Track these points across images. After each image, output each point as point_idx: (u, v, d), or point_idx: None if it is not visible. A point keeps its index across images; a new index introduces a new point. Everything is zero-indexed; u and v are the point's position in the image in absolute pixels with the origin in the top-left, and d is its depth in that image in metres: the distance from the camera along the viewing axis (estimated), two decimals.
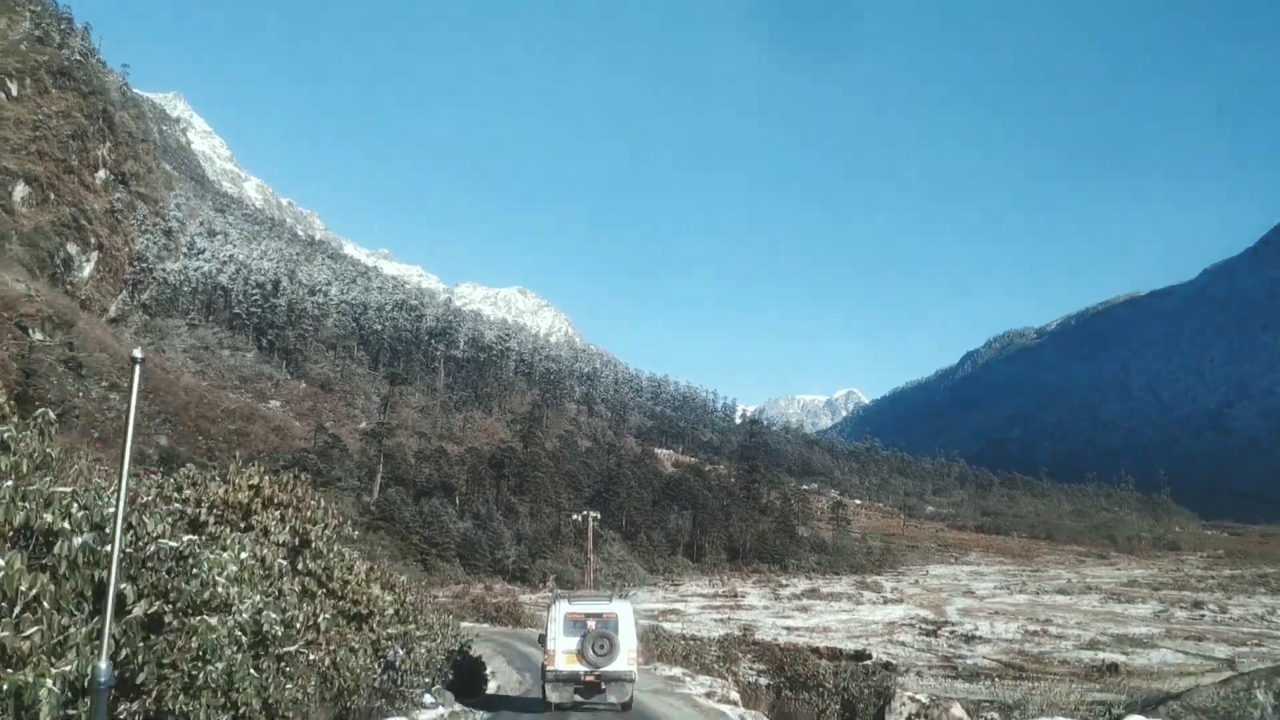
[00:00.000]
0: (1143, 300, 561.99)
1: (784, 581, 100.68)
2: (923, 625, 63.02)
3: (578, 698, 18.65)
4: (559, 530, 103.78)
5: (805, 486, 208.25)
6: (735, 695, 23.05)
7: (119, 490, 5.69)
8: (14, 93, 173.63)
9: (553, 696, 18.49)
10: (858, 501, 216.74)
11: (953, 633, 59.10)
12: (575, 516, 53.18)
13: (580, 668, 18.14)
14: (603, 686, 18.37)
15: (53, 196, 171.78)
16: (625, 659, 18.29)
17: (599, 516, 49.92)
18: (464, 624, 49.94)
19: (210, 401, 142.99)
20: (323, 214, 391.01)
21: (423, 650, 17.21)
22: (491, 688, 23.13)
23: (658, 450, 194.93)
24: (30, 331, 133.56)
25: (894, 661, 45.43)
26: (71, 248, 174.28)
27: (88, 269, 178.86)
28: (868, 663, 43.93)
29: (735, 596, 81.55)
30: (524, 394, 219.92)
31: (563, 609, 18.94)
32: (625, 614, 18.89)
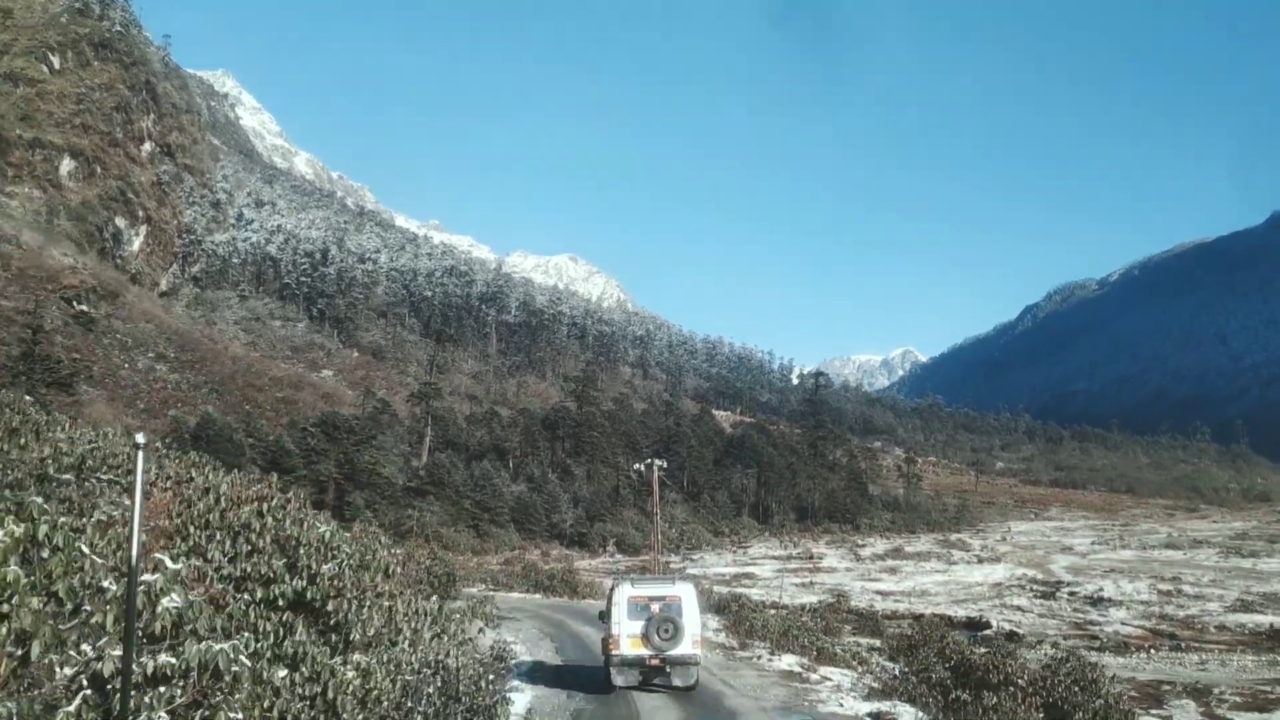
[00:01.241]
0: (1209, 247, 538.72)
1: (860, 541, 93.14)
2: (1034, 586, 55.20)
3: (642, 680, 18.58)
4: (617, 492, 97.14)
5: (869, 445, 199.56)
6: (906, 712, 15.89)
7: (131, 550, 5.34)
8: (56, 66, 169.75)
9: (618, 680, 18.37)
10: (924, 459, 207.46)
11: (1072, 594, 51.31)
12: (638, 465, 46.29)
13: (645, 651, 18.00)
14: (667, 670, 18.28)
15: (99, 170, 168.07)
16: (689, 642, 18.07)
17: (665, 465, 43.09)
18: (512, 595, 43.52)
19: (258, 370, 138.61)
20: (373, 187, 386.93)
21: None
22: (520, 707, 15.59)
23: (715, 412, 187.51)
24: (74, 303, 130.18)
25: (1018, 630, 37.84)
26: (120, 221, 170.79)
27: (137, 242, 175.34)
28: (988, 632, 36.48)
29: (811, 558, 74.37)
30: (577, 358, 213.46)
31: (625, 592, 18.70)
32: (688, 596, 18.69)
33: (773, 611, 32.10)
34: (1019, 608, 46.45)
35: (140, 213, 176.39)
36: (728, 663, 21.82)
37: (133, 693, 5.95)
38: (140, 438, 5.91)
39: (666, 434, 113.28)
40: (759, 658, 22.28)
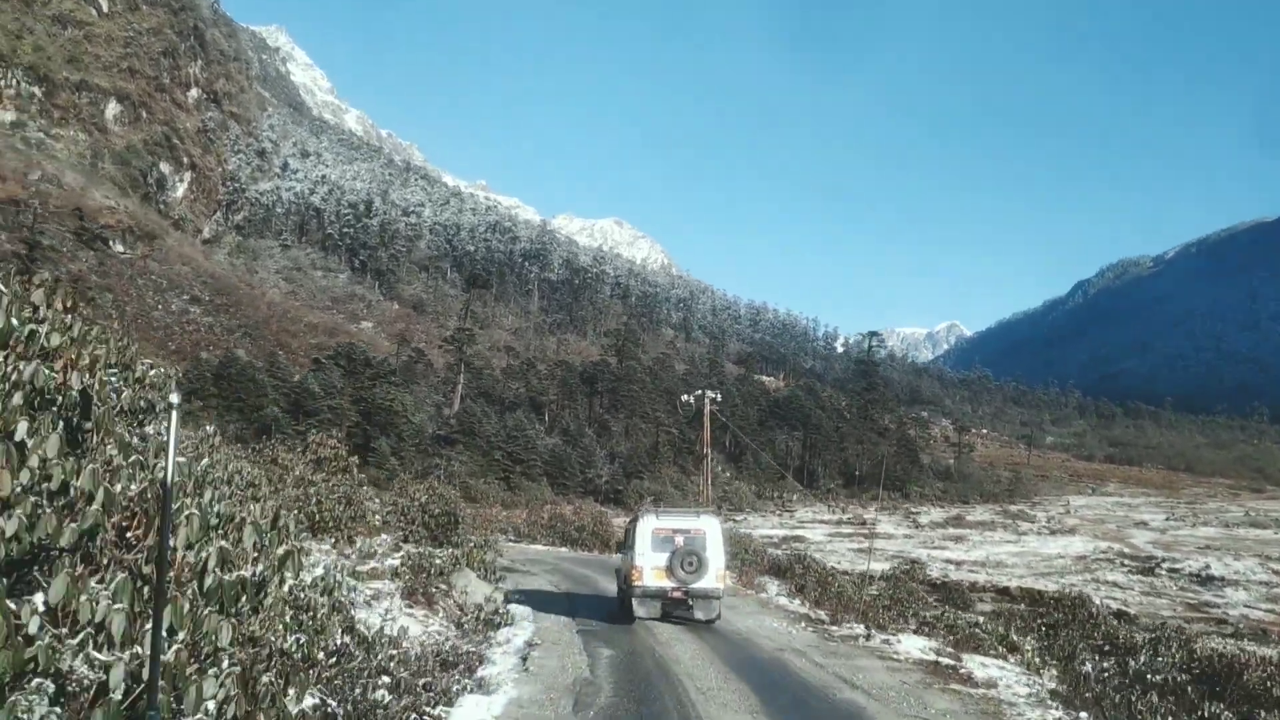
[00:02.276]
0: (1270, 226, 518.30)
1: (914, 509, 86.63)
2: (1125, 561, 48.63)
3: (665, 612, 18.11)
4: (656, 448, 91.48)
5: (916, 415, 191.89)
6: None
7: (163, 521, 4.67)
8: (105, 9, 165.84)
9: (640, 611, 17.82)
10: (973, 431, 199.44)
11: (1174, 571, 44.72)
12: (686, 397, 40.23)
13: (668, 583, 17.50)
14: (690, 603, 17.76)
15: (144, 115, 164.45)
16: (714, 575, 17.58)
17: (718, 398, 37.39)
18: (535, 547, 38.11)
19: (294, 317, 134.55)
20: (421, 145, 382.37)
21: None
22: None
23: (759, 377, 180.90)
24: (110, 243, 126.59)
25: (1126, 609, 31.51)
26: (164, 167, 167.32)
27: (181, 189, 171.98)
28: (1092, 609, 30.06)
29: (864, 524, 68.24)
30: (619, 317, 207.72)
31: (650, 524, 18.09)
32: (713, 530, 18.19)
33: (846, 576, 26.19)
34: (1115, 584, 40.21)
35: (185, 159, 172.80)
36: (828, 644, 15.70)
37: None
38: (174, 398, 5.11)
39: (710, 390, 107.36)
40: (868, 638, 16.27)
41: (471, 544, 21.08)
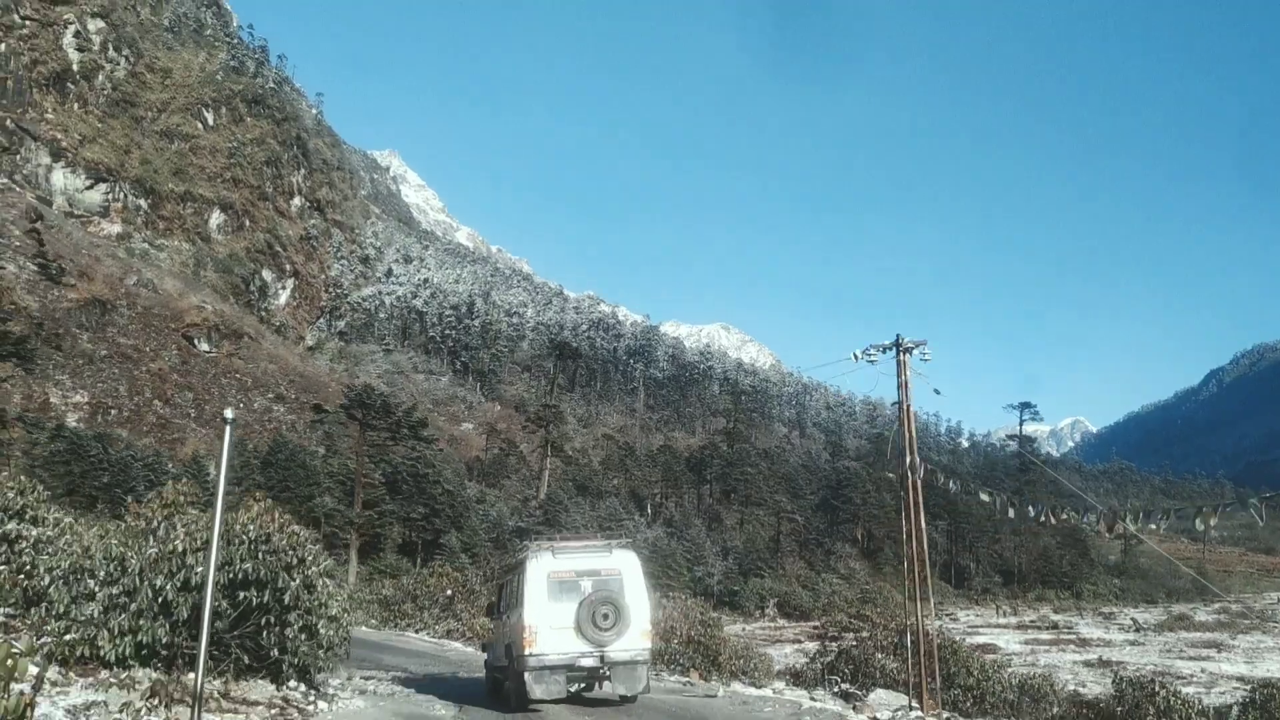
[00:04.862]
0: None
1: (1107, 610, 68.90)
2: None
3: (576, 690, 13.27)
4: (777, 542, 76.29)
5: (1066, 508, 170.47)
6: None
7: (213, 528, 5.07)
8: (210, 122, 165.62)
9: (537, 691, 12.49)
10: (1123, 524, 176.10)
11: None
12: (859, 353, 25.70)
13: (579, 648, 12.58)
14: (607, 673, 12.78)
15: (248, 223, 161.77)
16: (638, 632, 12.80)
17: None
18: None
19: None
20: (532, 261, 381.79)
21: None
22: None
23: (887, 473, 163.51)
24: (194, 342, 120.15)
25: None
26: (267, 274, 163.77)
27: (283, 296, 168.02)
28: None
29: (1054, 627, 51.86)
30: (729, 414, 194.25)
31: (545, 565, 13.06)
32: (631, 569, 13.35)
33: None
34: None
35: (287, 266, 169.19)
36: None
37: None
38: (229, 413, 5.66)
39: (836, 477, 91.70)
40: None
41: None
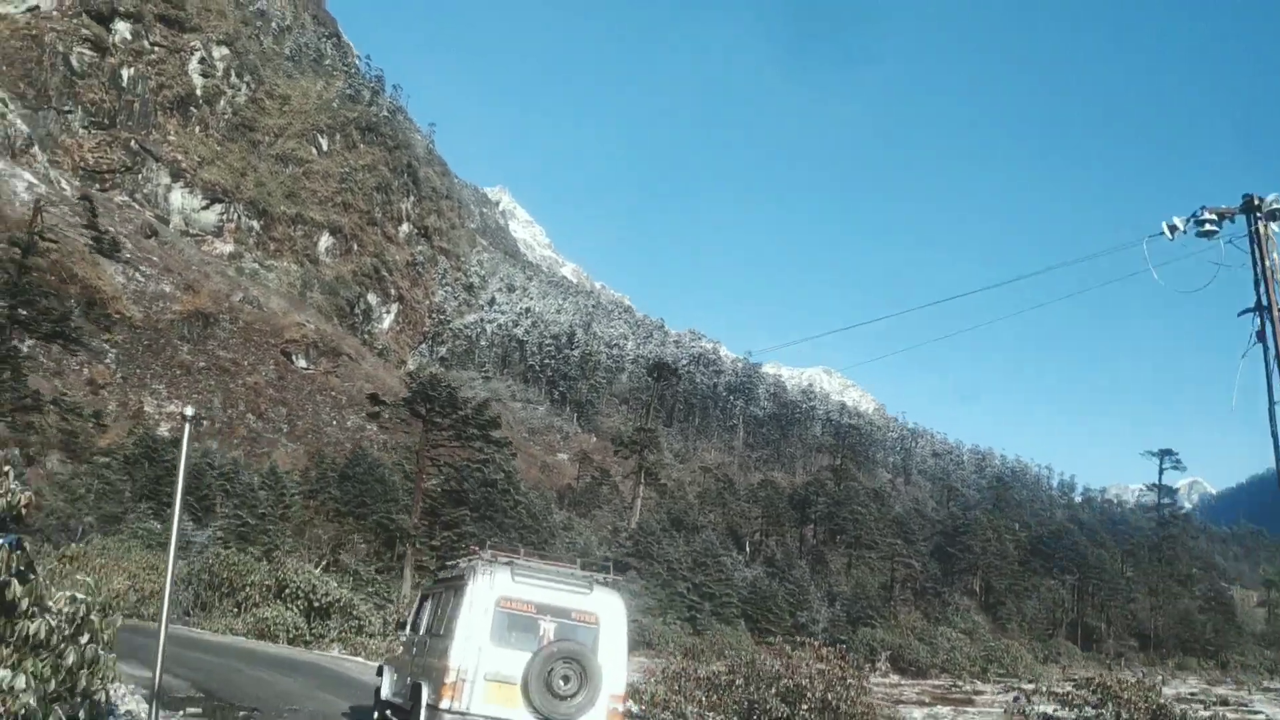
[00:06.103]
0: None
1: (1269, 685, 59.55)
2: None
3: None
4: (890, 589, 68.91)
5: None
6: None
7: (171, 529, 5.15)
8: (325, 147, 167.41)
9: None
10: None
11: None
12: (1176, 221, 18.43)
13: (519, 714, 8.65)
14: None
15: (356, 248, 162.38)
16: (605, 708, 9.00)
17: None
18: None
19: None
20: (633, 297, 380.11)
21: None
22: None
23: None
24: (294, 357, 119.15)
25: None
26: (372, 298, 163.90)
27: (387, 320, 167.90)
28: None
29: (1227, 704, 43.84)
30: (832, 457, 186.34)
31: (495, 586, 9.22)
32: (613, 619, 9.73)
33: None
34: None
35: (393, 291, 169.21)
36: None
37: None
38: (189, 410, 5.41)
39: (951, 523, 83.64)
40: None
41: None
